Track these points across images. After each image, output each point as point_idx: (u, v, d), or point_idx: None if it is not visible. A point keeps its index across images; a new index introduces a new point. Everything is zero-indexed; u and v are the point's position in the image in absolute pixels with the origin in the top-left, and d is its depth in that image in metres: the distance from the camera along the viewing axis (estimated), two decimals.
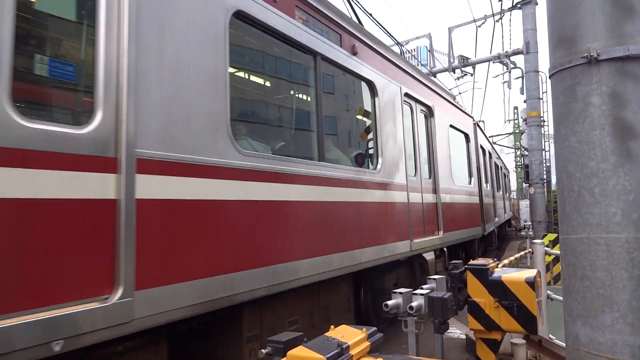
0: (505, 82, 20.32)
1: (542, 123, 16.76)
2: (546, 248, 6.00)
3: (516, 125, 32.44)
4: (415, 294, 3.91)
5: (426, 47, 22.31)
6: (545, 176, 17.07)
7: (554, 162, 2.41)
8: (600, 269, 2.06)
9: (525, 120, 17.43)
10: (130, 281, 2.50)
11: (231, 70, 3.51)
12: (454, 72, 21.04)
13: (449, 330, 5.49)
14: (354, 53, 5.38)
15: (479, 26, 19.94)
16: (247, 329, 3.65)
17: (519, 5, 16.17)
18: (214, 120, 3.21)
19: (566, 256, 2.25)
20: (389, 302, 3.83)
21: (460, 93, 23.57)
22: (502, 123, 34.03)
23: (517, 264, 8.37)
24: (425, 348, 4.85)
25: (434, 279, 4.30)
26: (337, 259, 4.58)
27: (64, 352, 2.20)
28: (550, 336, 4.82)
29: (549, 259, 9.32)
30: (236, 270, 3.26)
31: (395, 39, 18.07)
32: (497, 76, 21.82)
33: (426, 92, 7.85)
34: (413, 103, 7.27)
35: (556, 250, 6.80)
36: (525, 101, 16.54)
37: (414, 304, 3.80)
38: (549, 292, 5.39)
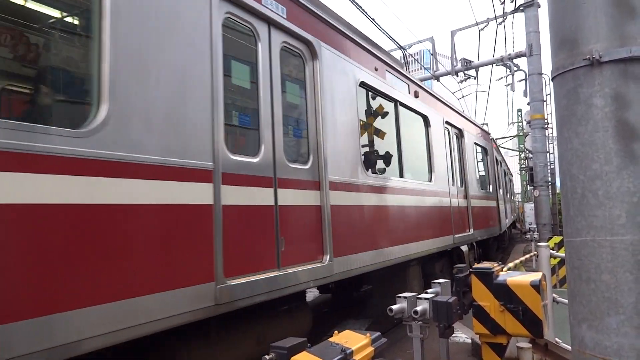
0: (508, 84, 20.34)
1: (546, 125, 16.72)
2: (551, 251, 5.97)
3: (520, 128, 32.41)
4: (420, 298, 3.89)
5: (429, 51, 22.31)
6: (550, 178, 16.98)
7: (558, 164, 2.40)
8: (605, 271, 2.04)
9: (529, 122, 17.40)
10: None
11: None
12: (457, 76, 21.05)
13: (454, 335, 5.47)
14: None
15: (482, 29, 19.95)
16: None
17: (521, 8, 16.18)
18: None
19: (571, 259, 2.24)
20: (394, 307, 3.81)
21: (463, 96, 23.57)
22: (506, 126, 33.98)
23: (522, 267, 8.31)
24: (431, 352, 4.82)
25: (439, 283, 4.28)
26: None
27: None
28: (557, 340, 4.79)
29: (554, 261, 9.25)
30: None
31: (397, 43, 18.11)
32: (500, 79, 21.83)
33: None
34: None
35: (562, 253, 6.77)
36: (529, 104, 16.53)
37: (418, 308, 3.78)
38: (554, 295, 5.35)
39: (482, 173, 12.04)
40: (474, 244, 9.90)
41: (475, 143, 11.27)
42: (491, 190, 12.47)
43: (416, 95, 7.48)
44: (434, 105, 8.43)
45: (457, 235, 8.44)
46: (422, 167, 7.74)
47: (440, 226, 7.73)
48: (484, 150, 12.57)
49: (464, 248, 8.96)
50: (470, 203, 9.67)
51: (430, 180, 7.64)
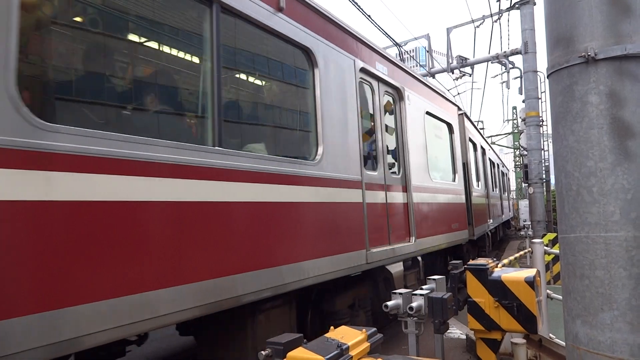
0: (503, 82, 20.38)
1: (541, 123, 16.81)
2: (546, 247, 6.01)
3: (515, 125, 32.52)
4: (415, 294, 3.92)
5: (425, 48, 22.35)
6: (544, 176, 17.08)
7: (553, 161, 2.42)
8: (599, 267, 2.06)
9: (524, 120, 17.47)
10: None
11: None
12: (453, 73, 21.09)
13: (449, 331, 5.50)
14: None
15: (477, 26, 20.00)
16: None
17: (517, 6, 16.21)
18: None
19: (565, 255, 2.26)
20: (389, 303, 3.83)
21: (459, 93, 23.62)
22: (501, 123, 34.09)
23: (516, 264, 8.37)
24: (426, 348, 4.85)
25: (434, 279, 4.31)
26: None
27: None
28: (551, 335, 4.83)
29: (548, 258, 9.33)
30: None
31: (393, 40, 18.14)
32: (495, 76, 21.90)
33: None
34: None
35: (556, 250, 6.81)
36: (523, 101, 16.58)
37: (413, 304, 3.80)
38: (548, 291, 5.40)
39: (444, 157, 8.84)
40: (420, 259, 6.69)
41: (430, 113, 7.84)
42: (457, 180, 9.05)
43: (279, 8, 4.20)
44: (333, 38, 5.02)
45: (375, 250, 5.26)
46: (293, 139, 4.74)
47: (332, 238, 4.55)
48: (448, 127, 9.10)
49: (395, 268, 5.78)
50: (413, 198, 6.51)
51: (313, 159, 4.49)
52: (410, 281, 6.29)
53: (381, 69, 6.17)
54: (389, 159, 6.27)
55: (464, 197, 9.36)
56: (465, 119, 10.67)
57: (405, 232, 6.33)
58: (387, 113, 6.42)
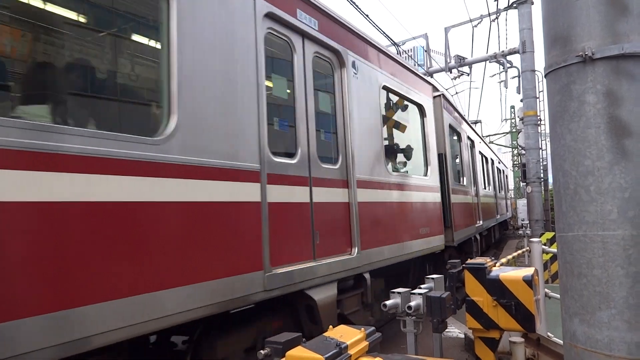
0: (501, 81, 20.43)
1: (539, 122, 16.85)
2: (544, 246, 6.02)
3: (513, 125, 32.59)
4: (414, 293, 3.92)
5: (423, 47, 22.37)
6: (542, 175, 17.12)
7: (551, 160, 2.43)
8: (597, 266, 2.07)
9: (522, 119, 17.52)
10: None
11: None
12: (451, 72, 21.14)
13: (447, 330, 5.52)
14: None
15: (475, 26, 20.06)
16: None
17: (514, 5, 16.25)
18: None
19: (563, 254, 2.26)
20: (388, 302, 3.83)
21: (457, 93, 23.65)
22: (499, 122, 34.13)
23: (515, 263, 8.37)
24: (424, 347, 4.86)
25: (432, 278, 4.31)
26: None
27: None
28: (549, 334, 4.84)
29: (546, 257, 9.36)
30: None
31: (391, 40, 18.15)
32: (493, 76, 21.92)
33: None
34: None
35: (554, 249, 6.82)
36: (521, 100, 16.64)
37: (412, 303, 3.80)
38: (546, 290, 5.41)
39: (411, 146, 7.37)
40: (368, 277, 5.07)
41: (389, 89, 6.29)
42: (429, 175, 7.40)
43: None
44: None
45: (282, 271, 3.77)
46: (117, 105, 3.28)
47: (193, 258, 2.97)
48: (419, 109, 7.43)
49: (321, 293, 4.26)
50: (358, 196, 4.97)
51: (156, 136, 2.87)
52: (351, 307, 4.78)
53: (307, 21, 4.51)
54: (324, 144, 4.78)
55: (439, 195, 7.73)
56: (444, 102, 8.83)
57: (345, 241, 4.79)
58: (327, 86, 4.96)
